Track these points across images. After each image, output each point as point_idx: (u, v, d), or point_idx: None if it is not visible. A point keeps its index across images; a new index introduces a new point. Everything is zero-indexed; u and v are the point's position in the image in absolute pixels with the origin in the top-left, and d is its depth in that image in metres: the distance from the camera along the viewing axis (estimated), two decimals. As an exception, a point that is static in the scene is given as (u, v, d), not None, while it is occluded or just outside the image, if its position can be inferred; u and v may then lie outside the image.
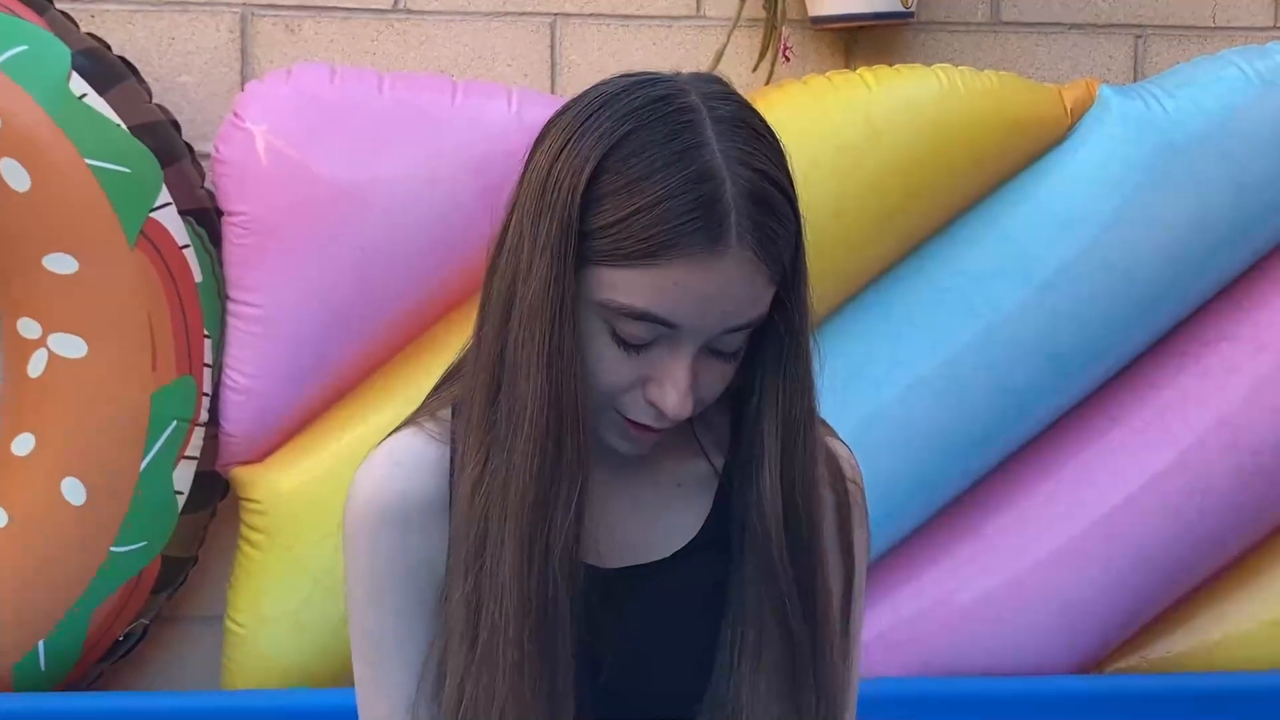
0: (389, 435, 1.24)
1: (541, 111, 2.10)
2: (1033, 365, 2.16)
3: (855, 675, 1.30)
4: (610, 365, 1.10)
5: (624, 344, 1.10)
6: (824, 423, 1.28)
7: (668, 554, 1.22)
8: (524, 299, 1.12)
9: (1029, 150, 2.19)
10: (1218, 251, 2.19)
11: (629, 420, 1.13)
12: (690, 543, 1.23)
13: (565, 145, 1.10)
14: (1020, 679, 2.20)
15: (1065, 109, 2.19)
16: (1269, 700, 2.20)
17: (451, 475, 1.19)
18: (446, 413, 1.21)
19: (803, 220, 1.17)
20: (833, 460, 1.24)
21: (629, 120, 1.09)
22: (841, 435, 1.30)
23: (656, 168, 1.08)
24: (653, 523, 1.23)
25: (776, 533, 1.18)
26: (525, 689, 1.14)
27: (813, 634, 1.20)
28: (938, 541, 2.22)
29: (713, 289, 1.08)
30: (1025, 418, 2.20)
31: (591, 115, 1.10)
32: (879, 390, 2.14)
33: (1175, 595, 2.26)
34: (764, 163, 1.13)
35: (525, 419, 1.13)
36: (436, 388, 1.27)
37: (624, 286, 1.08)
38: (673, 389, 1.10)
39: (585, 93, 1.14)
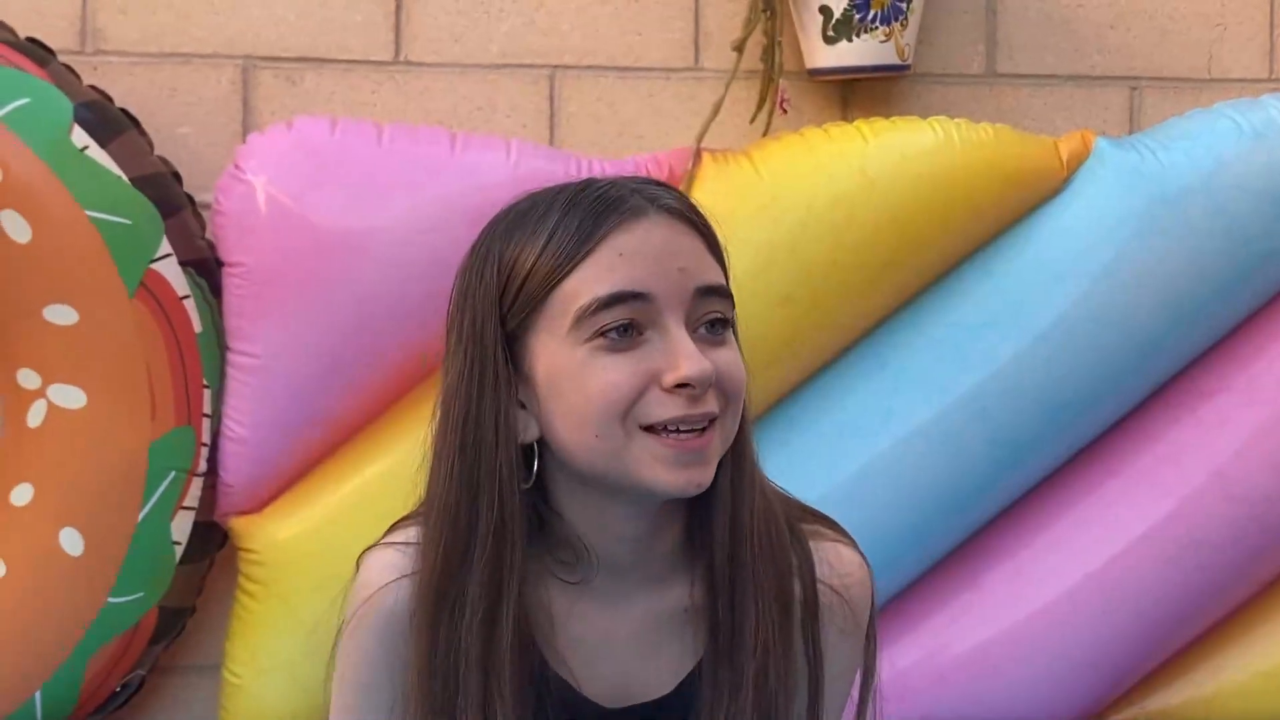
0: (387, 533, 1.25)
1: (539, 163, 2.14)
2: (1028, 416, 2.15)
3: None
4: (616, 376, 1.10)
5: (614, 345, 1.10)
6: (834, 525, 1.28)
7: (670, 689, 1.22)
8: (443, 403, 1.17)
9: (1024, 202, 2.19)
10: (1212, 302, 2.18)
11: (663, 438, 1.11)
12: (691, 673, 1.21)
13: (470, 254, 1.20)
14: None
15: (1061, 161, 2.19)
16: None
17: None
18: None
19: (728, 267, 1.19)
20: (805, 551, 1.22)
21: (511, 205, 1.19)
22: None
23: (547, 206, 1.15)
24: (654, 657, 1.22)
25: (720, 563, 1.17)
26: None
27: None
28: (934, 593, 2.21)
29: (656, 247, 1.12)
30: (1021, 469, 2.19)
31: (483, 231, 1.21)
32: (874, 442, 2.13)
33: (1172, 647, 2.24)
34: (661, 181, 1.21)
35: (436, 522, 1.15)
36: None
37: (582, 287, 1.11)
38: (682, 355, 1.10)
39: None
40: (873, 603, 1.27)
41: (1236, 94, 2.38)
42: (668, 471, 1.11)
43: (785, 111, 2.27)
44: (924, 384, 2.16)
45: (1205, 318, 2.19)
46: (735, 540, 1.17)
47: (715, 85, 2.27)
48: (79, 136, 2.04)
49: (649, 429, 1.11)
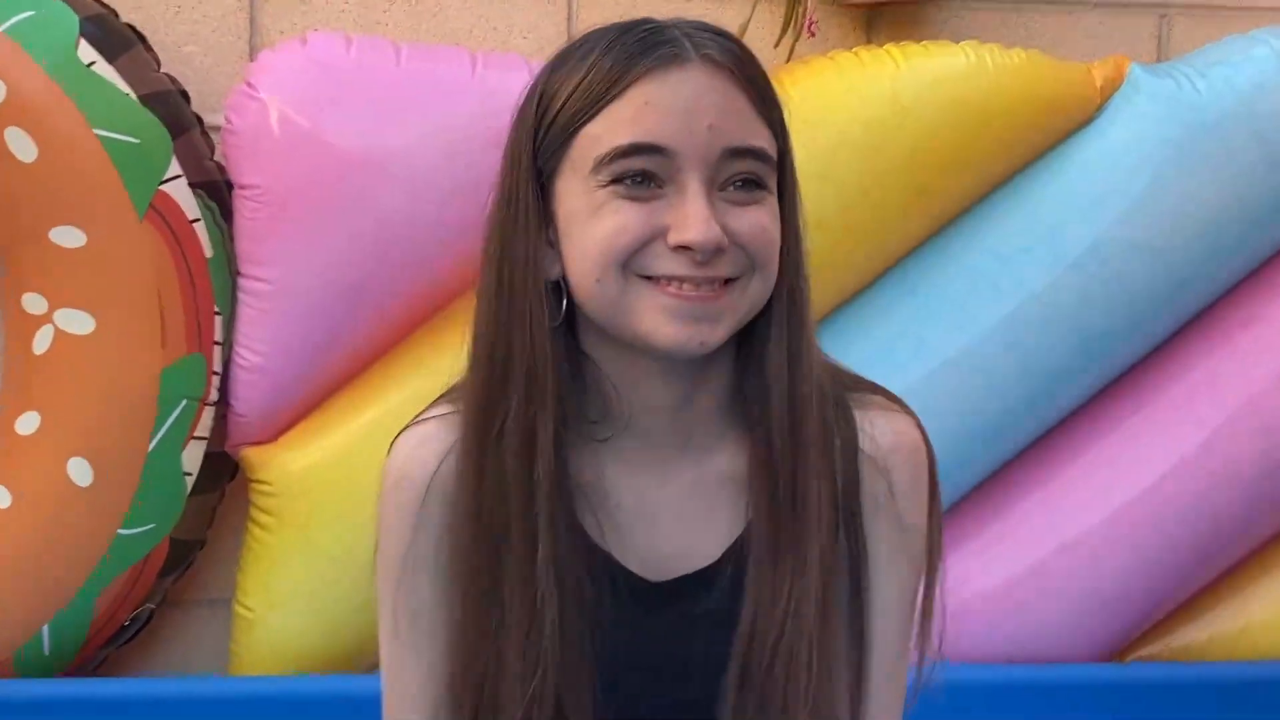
0: (420, 413, 1.24)
1: (560, 83, 2.10)
2: (1061, 346, 2.16)
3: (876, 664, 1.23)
4: (623, 221, 1.09)
5: (629, 192, 1.08)
6: (885, 392, 1.25)
7: (714, 559, 1.20)
8: (485, 238, 1.16)
9: (1058, 129, 2.18)
10: (1249, 231, 2.19)
11: (664, 287, 1.09)
12: (737, 541, 1.20)
13: (524, 92, 1.16)
14: (1040, 666, 2.20)
15: (1095, 88, 2.18)
16: None
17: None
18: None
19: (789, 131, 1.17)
20: (851, 425, 1.20)
21: (572, 43, 1.15)
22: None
23: (596, 41, 1.12)
24: (697, 527, 1.20)
25: (781, 433, 1.15)
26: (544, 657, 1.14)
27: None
28: (962, 526, 2.21)
29: (686, 100, 1.08)
30: (1052, 400, 2.20)
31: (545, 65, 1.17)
32: (905, 371, 2.12)
33: (1199, 583, 2.26)
34: (726, 32, 1.15)
35: (479, 357, 1.15)
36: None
37: (604, 133, 1.08)
38: (690, 217, 1.07)
39: None
40: (931, 475, 1.25)
41: (1266, 22, 2.37)
42: (668, 324, 1.09)
43: (813, 35, 2.24)
44: (955, 313, 2.16)
45: (1243, 247, 2.20)
46: (792, 410, 1.14)
47: (741, 6, 2.23)
48: (86, 51, 2.00)
49: (649, 278, 1.10)
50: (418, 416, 1.24)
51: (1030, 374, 2.15)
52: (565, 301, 1.13)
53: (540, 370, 1.12)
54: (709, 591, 1.19)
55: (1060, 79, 2.17)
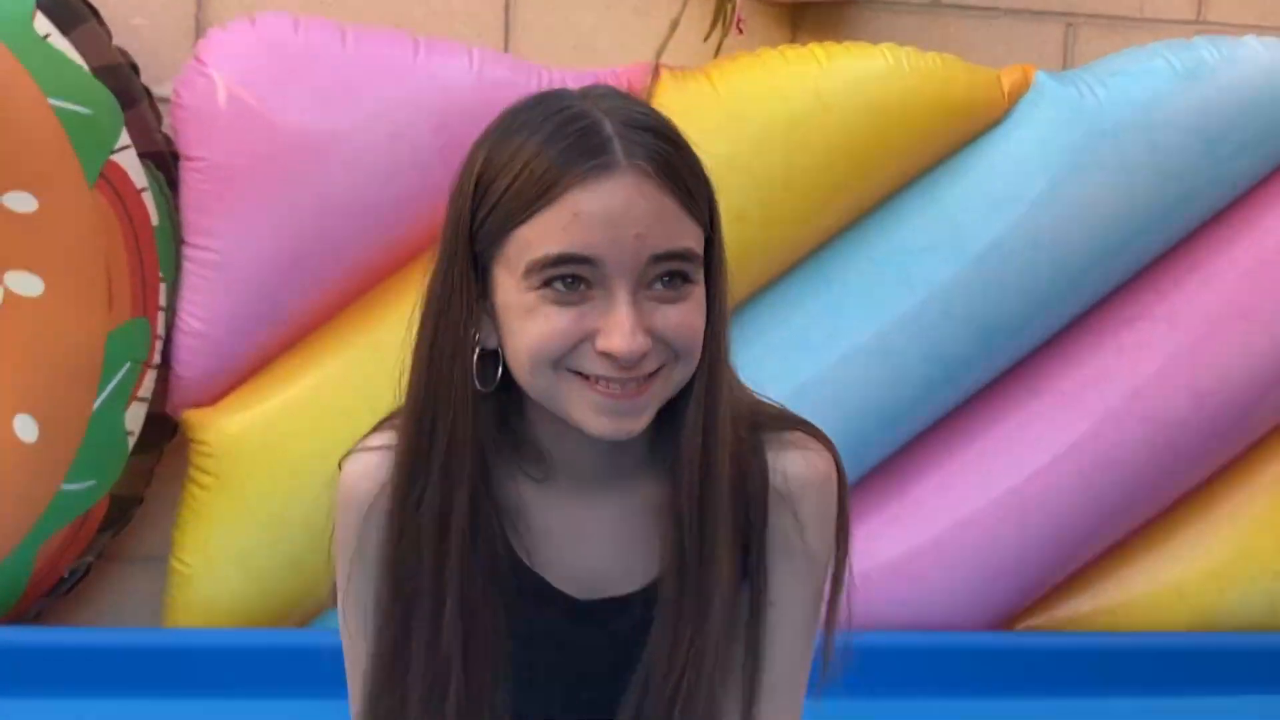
0: (370, 431, 1.28)
1: (502, 73, 2.16)
2: (962, 336, 2.24)
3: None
4: (552, 326, 1.12)
5: (560, 297, 1.11)
6: (806, 426, 1.30)
7: (639, 586, 1.25)
8: (422, 300, 1.18)
9: (967, 131, 2.27)
10: (1139, 233, 2.28)
11: (593, 384, 1.13)
12: (658, 575, 1.24)
13: (472, 148, 1.17)
14: (936, 633, 2.29)
15: (1003, 93, 2.27)
16: (1164, 659, 2.31)
17: None
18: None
19: (716, 197, 1.19)
20: (762, 464, 1.25)
21: (510, 115, 1.16)
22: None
23: (534, 130, 1.12)
24: (625, 553, 1.26)
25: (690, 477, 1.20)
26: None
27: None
28: (865, 501, 2.28)
29: (614, 211, 1.09)
30: (953, 386, 2.28)
31: (491, 123, 1.17)
32: (817, 357, 2.20)
33: (1084, 559, 2.36)
34: (656, 119, 1.16)
35: (407, 411, 1.19)
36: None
37: (536, 240, 1.10)
38: (615, 327, 1.10)
39: None
40: (841, 505, 1.31)
41: (1166, 34, 2.47)
42: (596, 417, 1.14)
43: (740, 32, 2.31)
44: (865, 303, 2.24)
45: (1133, 248, 2.29)
46: (704, 470, 1.20)
47: (672, 2, 2.29)
48: (41, 24, 2.03)
49: (579, 374, 1.14)
50: (361, 442, 1.27)
51: (933, 362, 2.23)
52: (500, 369, 1.17)
53: (461, 442, 1.16)
54: (630, 614, 1.25)
55: (971, 83, 2.25)
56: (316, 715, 1.69)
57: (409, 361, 1.21)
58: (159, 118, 2.19)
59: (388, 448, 1.23)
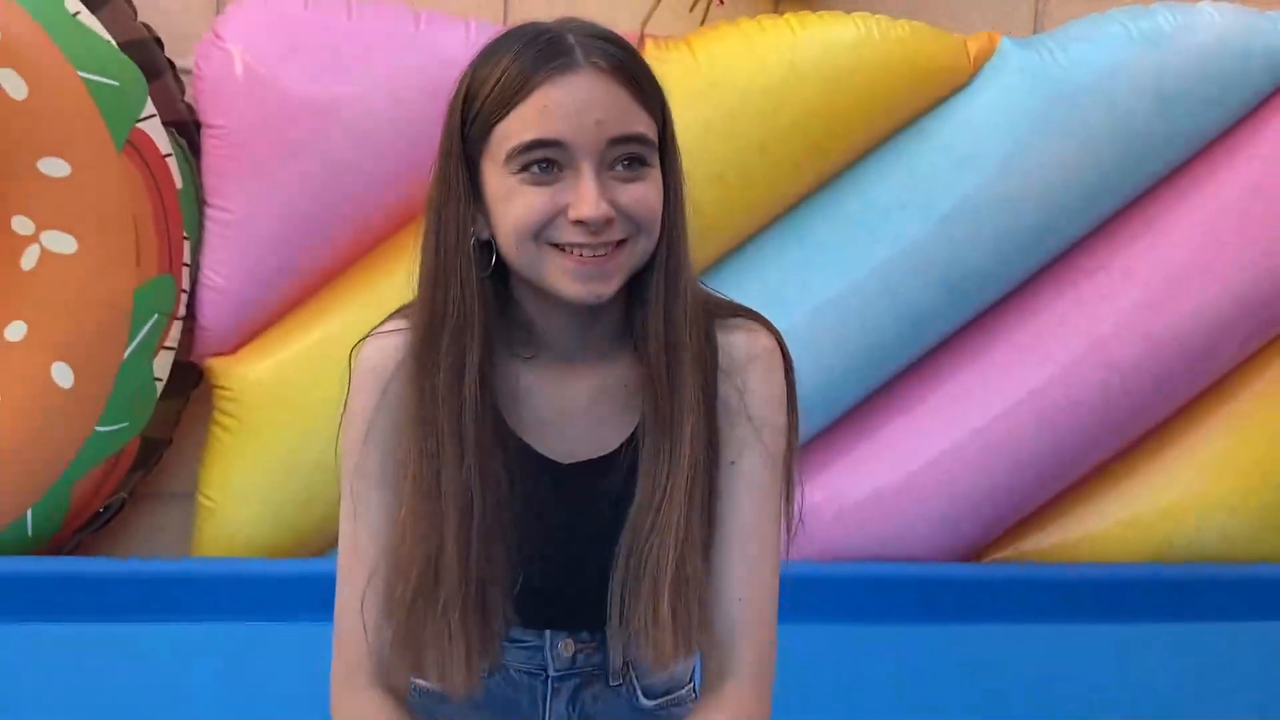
0: (383, 321, 1.47)
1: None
2: (929, 290, 2.34)
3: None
4: (531, 203, 1.32)
5: (535, 179, 1.32)
6: (751, 314, 1.49)
7: (613, 448, 1.45)
8: (426, 201, 1.38)
9: (934, 94, 2.36)
10: (1098, 191, 2.37)
11: (568, 253, 1.33)
12: (630, 436, 1.45)
13: (455, 85, 1.39)
14: (907, 563, 2.39)
15: (969, 58, 2.36)
16: (1119, 588, 2.42)
17: None
18: None
19: (666, 98, 1.38)
20: (713, 345, 1.44)
21: (491, 42, 1.39)
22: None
23: (508, 47, 1.35)
24: (600, 423, 1.45)
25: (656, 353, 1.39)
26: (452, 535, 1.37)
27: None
28: (837, 443, 2.41)
29: (578, 101, 1.30)
30: (920, 337, 2.38)
31: (471, 60, 1.40)
32: (791, 310, 2.29)
33: (1045, 496, 2.47)
34: (612, 34, 1.37)
35: (420, 293, 1.38)
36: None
37: (513, 130, 1.31)
38: (584, 196, 1.31)
39: None
40: (787, 378, 1.49)
41: (1129, 2, 2.55)
42: (572, 283, 1.34)
43: (722, 3, 2.42)
44: (837, 259, 2.33)
45: (1092, 205, 2.38)
46: (669, 334, 1.39)
47: (660, -27, 2.39)
48: (71, 2, 2.16)
49: (555, 245, 1.34)
50: (376, 328, 1.46)
51: (901, 314, 2.33)
52: (494, 257, 1.37)
53: (469, 312, 1.36)
54: (608, 475, 1.44)
55: (938, 49, 2.34)
56: (327, 637, 1.85)
57: (419, 254, 1.40)
58: (181, 88, 2.32)
59: (401, 330, 1.42)
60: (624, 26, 2.34)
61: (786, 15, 2.36)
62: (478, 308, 1.37)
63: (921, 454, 2.41)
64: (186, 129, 2.28)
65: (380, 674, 1.45)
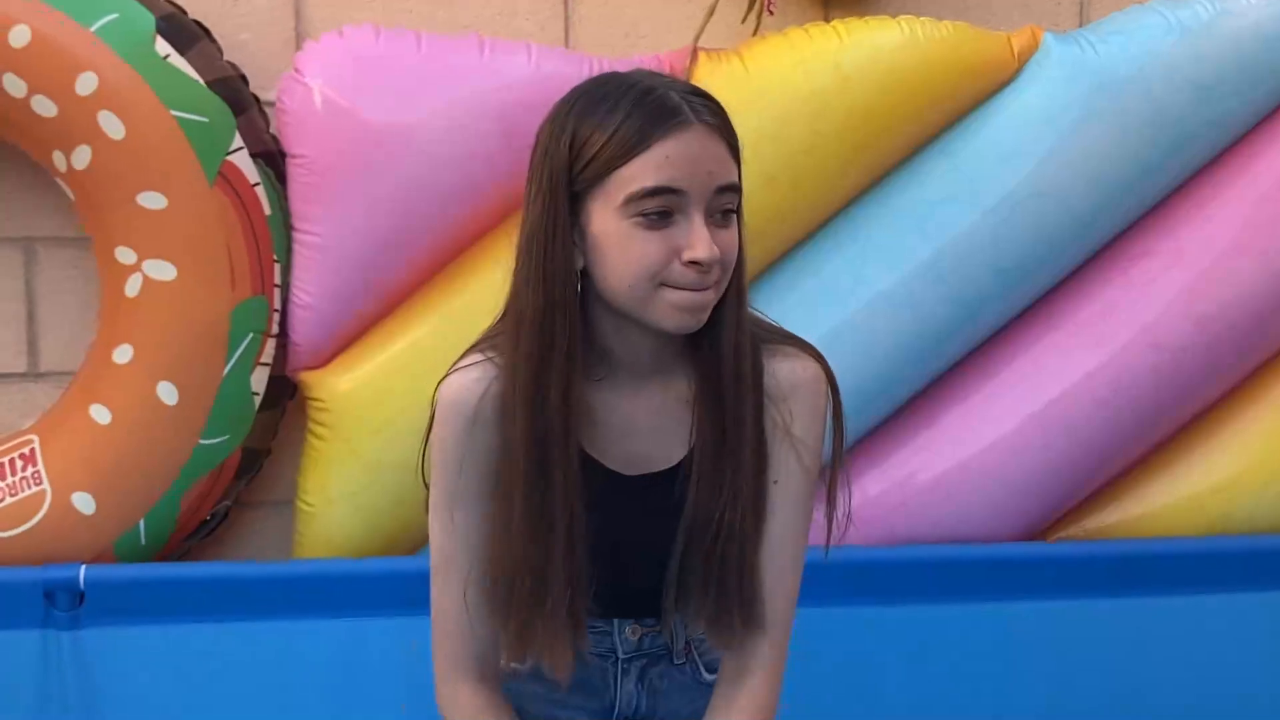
0: (460, 358, 1.58)
1: (557, 65, 2.40)
2: (979, 280, 2.38)
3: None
4: (646, 249, 1.44)
5: (651, 225, 1.43)
6: (796, 341, 1.60)
7: (675, 462, 1.57)
8: (526, 234, 1.49)
9: (980, 91, 2.41)
10: (1141, 179, 2.40)
11: (678, 291, 1.44)
12: (690, 451, 1.56)
13: (553, 119, 1.50)
14: (972, 545, 2.45)
15: (1013, 54, 2.40)
16: (1180, 562, 2.47)
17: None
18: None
19: (741, 158, 1.51)
20: (759, 369, 1.56)
21: (584, 94, 1.49)
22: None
23: (616, 101, 1.45)
24: (662, 438, 1.57)
25: (730, 382, 1.52)
26: (536, 551, 1.50)
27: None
28: (899, 432, 2.46)
29: (693, 153, 1.42)
30: (973, 325, 2.42)
31: (564, 101, 1.51)
32: (845, 304, 2.36)
33: (1105, 476, 2.50)
34: (702, 91, 1.49)
35: (527, 323, 1.48)
36: (488, 332, 1.59)
37: (633, 177, 1.41)
38: (699, 240, 1.43)
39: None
40: (831, 399, 1.61)
41: None
42: (677, 316, 1.46)
43: (772, 13, 2.48)
44: (889, 253, 2.39)
45: (1136, 192, 2.42)
46: (736, 355, 1.51)
47: (710, -11, 2.46)
48: (161, 46, 2.27)
49: (666, 285, 1.45)
50: (455, 365, 1.57)
51: (953, 304, 2.37)
52: (579, 284, 1.49)
53: (574, 341, 1.48)
54: (667, 486, 1.56)
55: (982, 47, 2.38)
56: (418, 629, 1.96)
57: (516, 288, 1.51)
58: (266, 121, 2.41)
59: (479, 363, 1.54)
60: (678, 42, 2.49)
61: (834, 22, 2.42)
62: (581, 336, 1.49)
63: (981, 439, 2.45)
64: (273, 159, 2.38)
65: (480, 666, 1.59)
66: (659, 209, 1.42)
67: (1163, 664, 2.48)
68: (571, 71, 2.33)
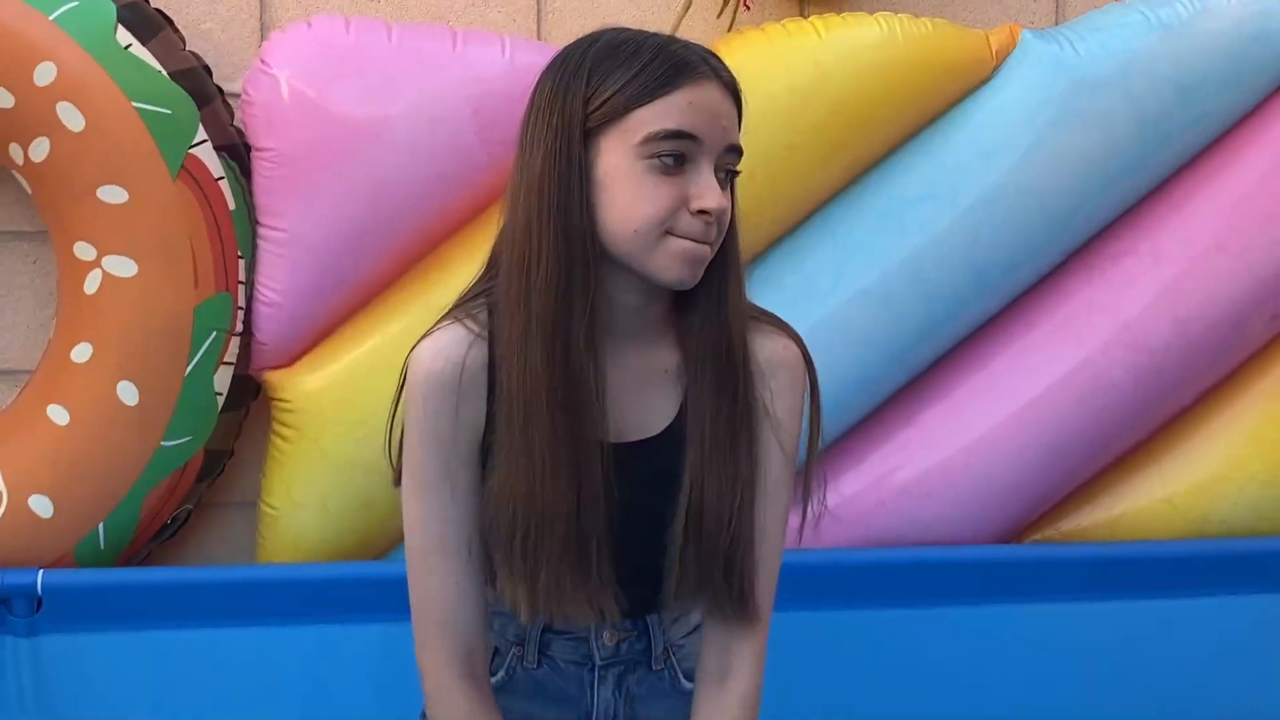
0: (432, 327, 1.52)
1: (531, 57, 2.37)
2: (957, 279, 2.37)
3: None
4: (657, 193, 1.42)
5: (665, 169, 1.41)
6: (777, 322, 1.59)
7: (658, 430, 1.54)
8: (532, 178, 1.44)
9: (958, 89, 2.40)
10: (1120, 178, 2.40)
11: (682, 241, 1.42)
12: (670, 424, 1.54)
13: (563, 61, 1.48)
14: (948, 547, 2.44)
15: (991, 52, 2.40)
16: (1159, 565, 2.47)
17: (492, 360, 1.48)
18: (484, 315, 1.51)
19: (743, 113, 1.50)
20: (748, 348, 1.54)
21: (603, 34, 1.49)
22: None
23: (638, 45, 1.45)
24: (643, 407, 1.54)
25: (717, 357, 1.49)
26: (556, 490, 1.45)
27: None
28: (877, 431, 2.45)
29: (713, 104, 1.43)
30: (952, 324, 2.42)
31: (575, 45, 1.49)
32: (825, 301, 2.35)
33: (1082, 477, 2.50)
34: (719, 57, 1.49)
35: (542, 263, 1.44)
36: (463, 298, 1.55)
37: (655, 118, 1.40)
38: (709, 190, 1.42)
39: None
40: (810, 381, 1.59)
41: None
42: (679, 268, 1.43)
43: (749, 8, 2.47)
44: (868, 251, 2.38)
45: (1115, 191, 2.42)
46: (733, 323, 1.50)
47: (686, -18, 2.45)
48: (123, 35, 2.23)
49: (671, 234, 1.43)
50: (431, 330, 1.52)
51: (931, 302, 2.37)
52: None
53: (593, 290, 1.44)
54: (651, 457, 1.52)
55: (960, 45, 2.38)
56: (390, 636, 1.92)
57: (507, 242, 1.46)
58: (231, 113, 2.38)
59: (459, 328, 1.49)
60: (654, 35, 2.45)
61: (811, 18, 2.41)
62: (594, 282, 1.44)
63: (958, 438, 2.45)
64: (237, 152, 2.35)
65: (470, 662, 1.54)
66: (676, 152, 1.42)
67: (1137, 668, 2.48)
68: (545, 64, 2.28)
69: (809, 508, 1.59)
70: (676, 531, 1.51)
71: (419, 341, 1.53)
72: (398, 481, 1.56)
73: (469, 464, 1.51)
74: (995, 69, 2.42)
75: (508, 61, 2.33)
